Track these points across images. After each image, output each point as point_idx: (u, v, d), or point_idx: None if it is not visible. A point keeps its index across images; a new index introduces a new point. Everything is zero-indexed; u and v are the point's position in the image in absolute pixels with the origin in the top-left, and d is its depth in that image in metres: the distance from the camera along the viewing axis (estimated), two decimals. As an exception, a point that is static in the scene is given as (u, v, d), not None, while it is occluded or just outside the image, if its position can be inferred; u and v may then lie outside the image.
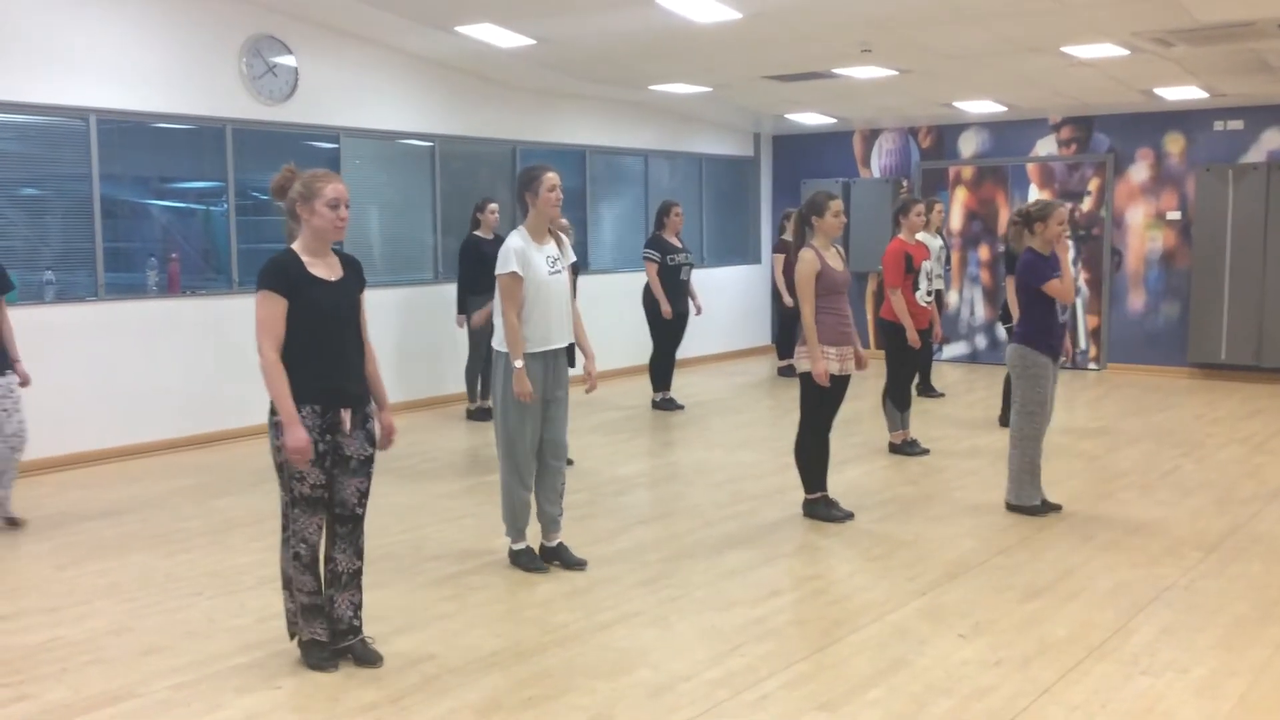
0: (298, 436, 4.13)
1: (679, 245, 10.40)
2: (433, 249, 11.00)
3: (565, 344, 5.60)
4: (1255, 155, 11.92)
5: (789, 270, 11.79)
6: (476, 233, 9.90)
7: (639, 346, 11.30)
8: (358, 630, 4.50)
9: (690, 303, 10.47)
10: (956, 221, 13.74)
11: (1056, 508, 6.68)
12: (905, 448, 8.34)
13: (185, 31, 8.92)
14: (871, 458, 8.23)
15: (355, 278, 4.42)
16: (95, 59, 8.41)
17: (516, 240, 5.45)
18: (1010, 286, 8.77)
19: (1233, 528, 6.36)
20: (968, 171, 13.78)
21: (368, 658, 4.44)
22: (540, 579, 5.54)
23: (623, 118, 13.00)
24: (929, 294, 8.48)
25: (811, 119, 14.09)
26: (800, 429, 6.56)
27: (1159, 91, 11.40)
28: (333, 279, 4.30)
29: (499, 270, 5.44)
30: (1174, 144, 12.45)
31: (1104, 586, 5.37)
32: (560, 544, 5.75)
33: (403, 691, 4.22)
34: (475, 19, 9.11)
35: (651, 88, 12.18)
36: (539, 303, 5.44)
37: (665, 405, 10.45)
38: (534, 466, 5.60)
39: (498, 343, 5.51)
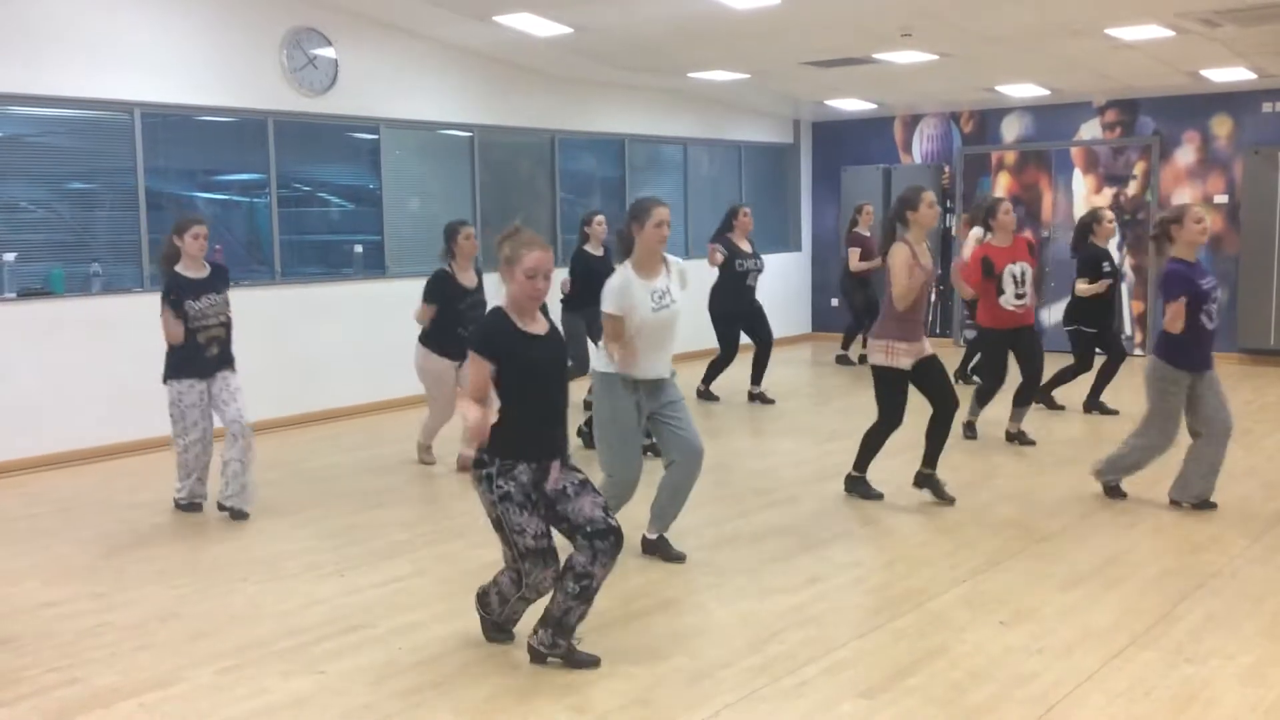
0: (477, 430, 4.10)
1: (748, 250, 9.94)
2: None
3: (663, 375, 5.51)
4: (1305, 137, 11.73)
5: (866, 260, 11.84)
6: (585, 247, 9.33)
7: (683, 336, 11.25)
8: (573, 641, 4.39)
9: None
10: (999, 207, 13.60)
11: (1122, 495, 6.65)
12: (970, 431, 8.40)
13: (226, 25, 9.01)
14: (914, 446, 8.16)
15: (555, 328, 4.45)
16: (139, 53, 8.51)
17: (617, 279, 5.39)
18: (1080, 287, 8.69)
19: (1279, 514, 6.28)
20: (1010, 156, 13.65)
21: (580, 661, 4.35)
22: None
23: (661, 106, 12.98)
24: (1018, 296, 8.07)
25: (851, 105, 14.00)
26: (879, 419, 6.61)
27: (1205, 73, 11.22)
28: (541, 333, 4.33)
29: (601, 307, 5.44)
30: (1221, 126, 12.27)
31: (1148, 574, 5.32)
32: (661, 537, 5.72)
33: (444, 675, 4.26)
34: (513, 8, 9.12)
35: (690, 75, 12.15)
36: (638, 337, 5.36)
37: (706, 396, 10.37)
38: (633, 490, 5.58)
39: (598, 364, 5.50)
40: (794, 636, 4.59)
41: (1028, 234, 11.02)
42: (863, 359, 12.42)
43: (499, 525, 4.26)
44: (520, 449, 4.20)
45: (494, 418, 4.18)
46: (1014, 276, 8.08)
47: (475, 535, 6.12)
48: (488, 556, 5.73)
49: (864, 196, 13.62)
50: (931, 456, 6.68)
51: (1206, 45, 9.82)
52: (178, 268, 6.47)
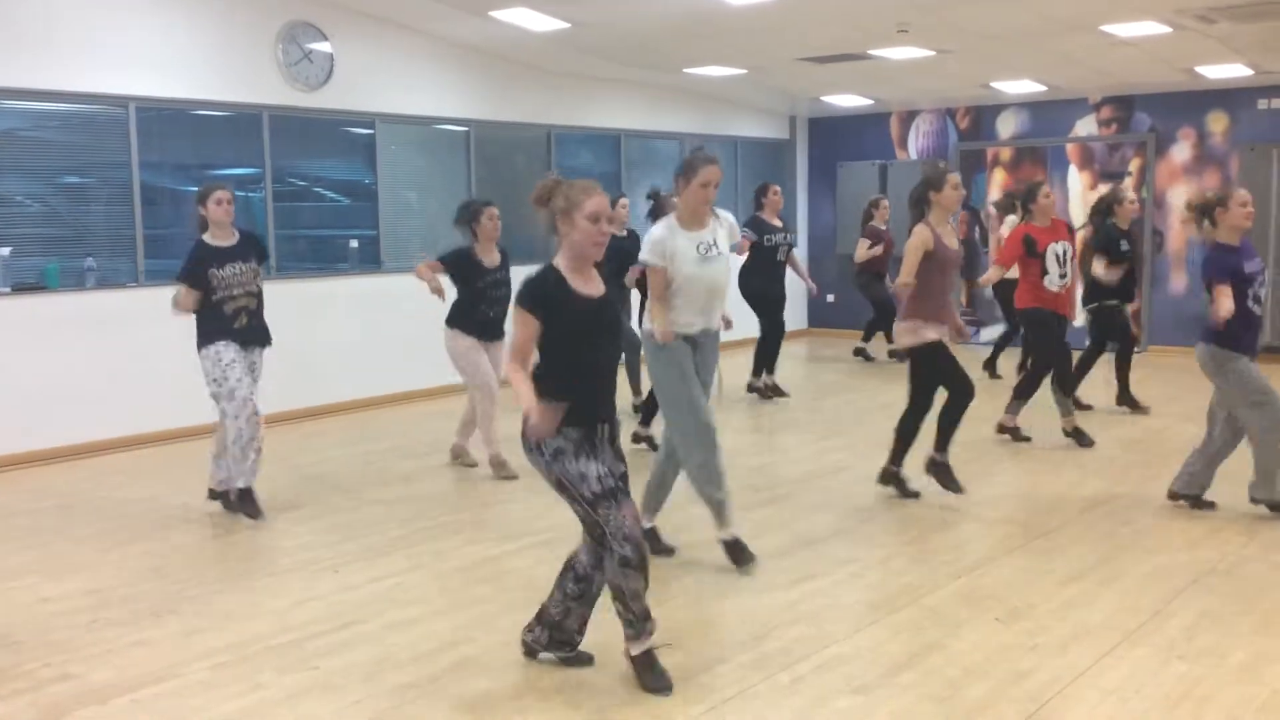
0: (535, 410, 3.80)
1: (778, 225, 9.98)
2: (469, 234, 11.03)
3: (711, 327, 5.44)
4: (1301, 134, 11.74)
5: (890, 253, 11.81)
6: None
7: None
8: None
9: (804, 284, 10.21)
10: (995, 203, 13.63)
11: None
12: (1074, 435, 8.15)
13: (222, 19, 8.99)
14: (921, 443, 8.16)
15: (612, 294, 4.26)
16: (134, 47, 8.49)
17: (659, 229, 5.35)
18: (1098, 269, 8.64)
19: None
20: (1006, 153, 13.65)
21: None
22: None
23: (658, 101, 12.97)
24: (1061, 276, 7.98)
25: (848, 101, 13.99)
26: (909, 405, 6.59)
27: (1201, 70, 11.23)
28: (595, 295, 4.08)
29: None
30: (1217, 123, 12.27)
31: (1143, 570, 5.32)
32: (651, 528, 5.59)
33: (438, 672, 4.25)
34: (510, 3, 9.10)
35: (686, 71, 12.14)
36: (683, 290, 5.31)
37: (763, 390, 10.16)
38: (715, 437, 5.42)
39: (647, 324, 5.45)
40: (790, 633, 4.59)
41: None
42: (890, 354, 12.39)
43: (561, 486, 4.00)
44: (565, 416, 3.93)
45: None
46: (1056, 256, 7.98)
47: (472, 531, 6.13)
48: (483, 553, 5.75)
49: (861, 193, 13.62)
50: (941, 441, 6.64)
51: (1203, 42, 9.83)
52: (204, 236, 6.32)
